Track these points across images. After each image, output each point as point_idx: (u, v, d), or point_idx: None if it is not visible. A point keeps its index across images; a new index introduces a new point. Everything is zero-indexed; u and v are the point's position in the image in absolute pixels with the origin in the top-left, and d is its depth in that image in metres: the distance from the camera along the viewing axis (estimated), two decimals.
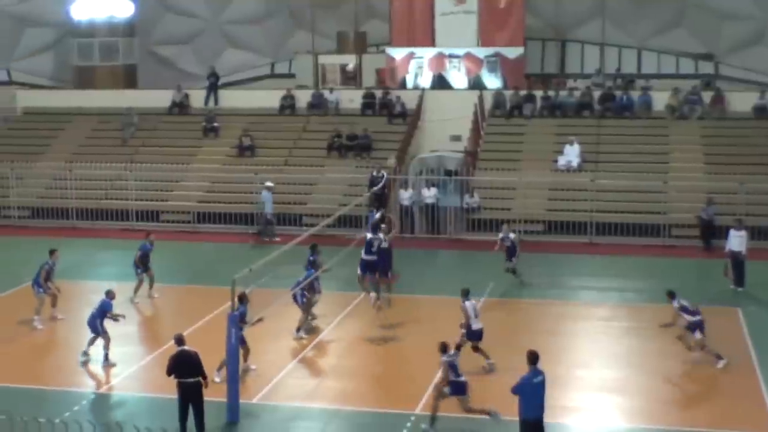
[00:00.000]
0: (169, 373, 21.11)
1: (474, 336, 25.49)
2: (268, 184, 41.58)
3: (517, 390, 19.47)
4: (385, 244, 30.29)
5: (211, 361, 21.35)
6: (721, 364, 25.55)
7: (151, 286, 32.27)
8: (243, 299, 24.56)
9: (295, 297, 28.37)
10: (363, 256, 30.03)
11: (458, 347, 23.89)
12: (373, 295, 29.63)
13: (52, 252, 29.98)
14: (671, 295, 26.29)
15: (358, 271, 30.28)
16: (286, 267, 31.82)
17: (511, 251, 33.36)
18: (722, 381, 25.02)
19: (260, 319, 25.21)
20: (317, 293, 29.18)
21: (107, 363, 26.14)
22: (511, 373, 20.75)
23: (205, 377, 20.98)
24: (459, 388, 21.77)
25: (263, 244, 38.71)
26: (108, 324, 26.45)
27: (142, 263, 32.06)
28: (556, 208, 41.61)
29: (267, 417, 22.89)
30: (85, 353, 26.49)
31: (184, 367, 20.92)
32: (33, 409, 21.20)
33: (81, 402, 23.54)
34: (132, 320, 30.67)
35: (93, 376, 25.86)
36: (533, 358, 19.66)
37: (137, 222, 43.38)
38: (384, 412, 23.13)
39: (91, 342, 26.50)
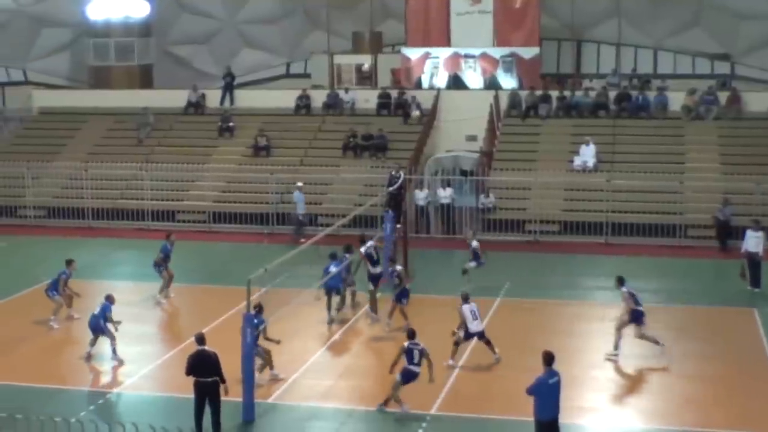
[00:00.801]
0: (188, 373, 21.15)
1: (472, 336, 25.90)
2: (299, 184, 41.51)
3: (532, 391, 19.44)
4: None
5: (228, 361, 21.32)
6: (659, 349, 26.21)
7: (168, 286, 32.31)
8: (260, 310, 24.43)
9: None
10: (371, 269, 29.60)
11: (456, 344, 25.24)
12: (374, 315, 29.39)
13: (69, 262, 30.03)
14: (620, 281, 26.84)
15: (370, 287, 29.88)
16: (302, 267, 31.91)
17: (475, 256, 33.37)
18: (738, 381, 24.94)
19: (278, 342, 24.93)
20: (349, 285, 30.37)
21: (116, 357, 26.43)
22: (527, 374, 20.71)
23: (223, 380, 20.97)
24: (408, 376, 22.63)
25: (297, 244, 37.86)
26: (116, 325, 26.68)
27: (164, 263, 32.17)
28: (571, 208, 41.52)
29: (282, 417, 22.92)
30: (89, 354, 26.67)
31: (203, 367, 20.94)
32: (49, 409, 21.27)
33: (97, 401, 23.59)
34: (148, 320, 30.78)
35: (109, 375, 25.93)
36: (548, 358, 19.62)
37: (153, 222, 43.43)
38: (399, 412, 23.08)
39: (93, 342, 26.66)
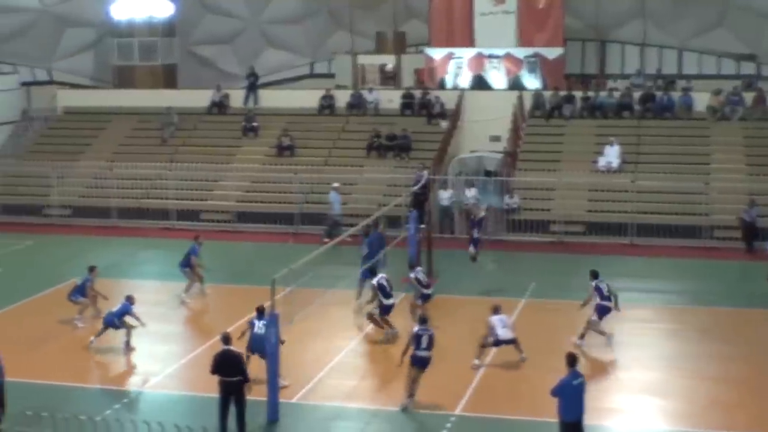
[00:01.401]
0: (213, 372, 21.22)
1: (499, 343, 25.83)
2: (336, 185, 41.43)
3: (556, 392, 19.39)
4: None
5: (254, 361, 21.33)
6: (606, 338, 27.15)
7: (187, 290, 32.35)
8: (262, 312, 24.51)
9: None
10: (385, 301, 28.21)
11: (483, 346, 25.32)
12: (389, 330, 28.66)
13: (92, 269, 30.14)
14: (594, 275, 27.81)
15: (375, 312, 28.69)
16: (326, 267, 31.93)
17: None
18: (762, 383, 24.84)
19: (282, 342, 24.82)
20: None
21: (127, 349, 26.92)
22: (552, 374, 20.64)
23: (247, 379, 20.99)
24: (416, 361, 23.02)
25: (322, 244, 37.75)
26: (143, 322, 26.88)
27: (193, 264, 32.30)
28: (596, 209, 41.39)
29: (307, 416, 22.92)
30: (92, 341, 27.28)
31: (228, 366, 20.98)
32: (74, 407, 21.33)
33: (122, 400, 23.65)
34: (173, 319, 30.86)
35: (134, 374, 26.00)
36: (572, 360, 19.61)
37: (177, 221, 43.51)
38: (423, 413, 23.07)
39: (100, 333, 27.29)
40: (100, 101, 52.68)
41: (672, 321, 30.31)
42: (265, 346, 22.68)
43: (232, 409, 21.00)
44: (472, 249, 34.04)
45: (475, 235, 34.21)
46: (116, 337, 27.37)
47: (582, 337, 27.28)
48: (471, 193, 41.62)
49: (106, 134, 50.16)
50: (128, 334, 27.09)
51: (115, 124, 50.66)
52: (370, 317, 28.17)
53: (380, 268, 30.34)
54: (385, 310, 28.04)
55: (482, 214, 35.06)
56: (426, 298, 28.86)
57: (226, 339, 21.45)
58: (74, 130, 51.07)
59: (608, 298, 27.44)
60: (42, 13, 56.17)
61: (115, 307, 27.48)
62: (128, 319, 27.23)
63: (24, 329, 29.10)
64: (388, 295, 28.00)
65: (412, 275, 29.19)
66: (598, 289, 27.54)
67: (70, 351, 27.36)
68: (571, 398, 19.31)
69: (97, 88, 57.23)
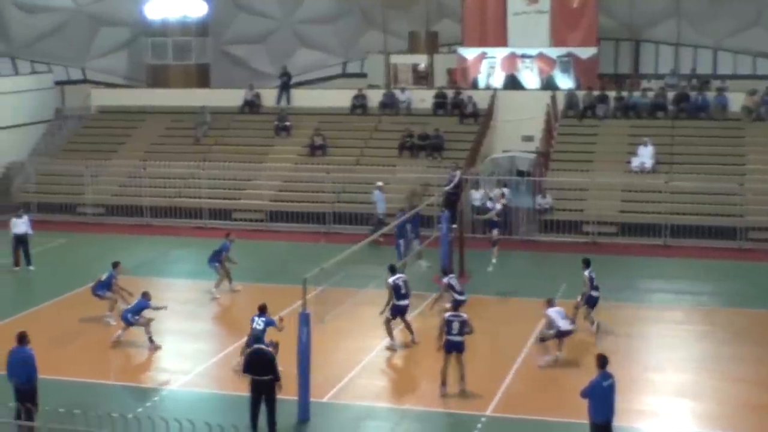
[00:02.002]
0: (244, 371, 21.26)
1: (562, 335, 25.70)
2: (379, 184, 41.36)
3: (587, 393, 19.32)
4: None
5: (283, 360, 21.33)
6: (594, 327, 27.70)
7: (217, 285, 32.46)
8: (264, 310, 24.94)
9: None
10: (395, 302, 27.55)
11: (542, 339, 25.36)
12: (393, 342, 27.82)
13: (115, 264, 30.26)
14: (586, 263, 28.45)
15: (388, 314, 27.89)
16: (358, 266, 31.94)
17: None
18: None
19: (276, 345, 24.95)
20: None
21: (152, 344, 27.14)
22: (583, 376, 20.58)
23: (278, 378, 21.00)
24: (449, 346, 23.71)
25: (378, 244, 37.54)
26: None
27: (222, 260, 32.42)
28: (629, 209, 41.17)
29: (337, 416, 22.90)
30: (117, 338, 27.54)
31: (259, 365, 21.00)
32: (106, 405, 21.40)
33: (153, 398, 23.74)
34: (205, 317, 30.96)
35: (165, 372, 26.07)
36: (602, 361, 19.55)
37: (210, 220, 43.63)
38: (454, 412, 23.05)
39: (124, 329, 27.46)
40: (133, 100, 52.88)
41: (704, 322, 30.12)
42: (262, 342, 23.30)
43: (263, 408, 21.02)
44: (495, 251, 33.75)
45: (495, 236, 33.93)
46: (144, 335, 27.47)
47: (593, 323, 27.95)
48: (496, 192, 41.42)
49: (140, 133, 50.36)
50: (148, 331, 27.21)
51: (149, 124, 50.86)
52: (387, 323, 27.59)
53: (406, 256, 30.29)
54: (398, 310, 27.40)
55: (494, 217, 34.74)
56: (459, 304, 28.46)
57: (258, 338, 21.47)
58: (108, 129, 51.25)
59: (597, 288, 28.11)
60: (76, 13, 56.51)
61: (132, 304, 27.74)
62: (147, 313, 27.33)
63: (56, 327, 29.21)
64: (401, 296, 27.36)
65: (445, 280, 29.07)
66: (591, 279, 28.19)
67: (102, 349, 27.44)
68: (601, 399, 19.24)
69: (131, 87, 57.50)
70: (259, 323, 24.48)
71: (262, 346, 21.27)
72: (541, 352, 25.74)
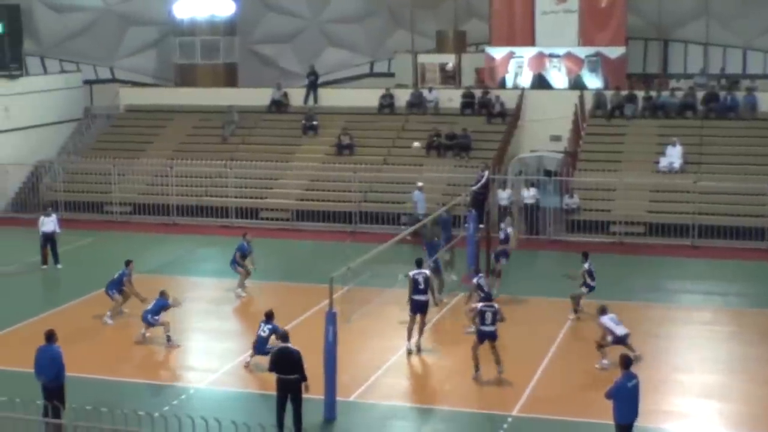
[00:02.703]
0: (270, 369, 21.27)
1: (620, 341, 25.41)
2: (420, 184, 41.20)
3: (612, 394, 19.24)
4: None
5: (309, 359, 21.32)
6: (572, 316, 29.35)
7: (240, 285, 32.45)
8: (271, 317, 25.27)
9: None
10: (412, 296, 27.18)
11: (600, 346, 25.33)
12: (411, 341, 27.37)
13: (128, 263, 30.39)
14: (585, 256, 29.86)
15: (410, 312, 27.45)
16: (385, 266, 31.88)
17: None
18: None
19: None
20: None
21: (171, 344, 27.26)
22: (610, 377, 20.46)
23: (305, 378, 20.98)
24: (481, 335, 24.60)
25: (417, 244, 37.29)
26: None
27: (242, 261, 32.46)
28: (657, 210, 41.00)
29: (363, 415, 22.89)
30: (143, 335, 27.66)
31: (285, 364, 20.97)
32: (133, 402, 21.42)
33: (180, 396, 23.78)
34: (231, 316, 31.05)
35: (192, 370, 26.13)
36: (627, 362, 19.52)
37: (237, 219, 43.69)
38: (480, 412, 23.01)
39: (147, 327, 27.58)
40: (161, 99, 53.04)
41: (732, 323, 29.97)
42: (263, 348, 24.63)
43: (289, 407, 21.00)
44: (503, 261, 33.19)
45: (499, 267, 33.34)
46: (175, 335, 27.53)
47: (575, 311, 29.63)
48: (530, 192, 41.37)
49: (167, 132, 50.52)
50: (167, 329, 27.32)
51: (176, 123, 51.01)
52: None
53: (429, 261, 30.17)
54: (416, 306, 26.91)
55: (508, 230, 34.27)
56: (488, 298, 28.34)
57: (285, 337, 21.48)
58: (136, 128, 51.44)
59: (594, 280, 29.55)
60: (105, 12, 56.74)
61: (150, 305, 27.83)
62: (163, 316, 27.54)
63: (84, 325, 29.32)
64: (419, 291, 26.88)
65: (474, 280, 28.98)
66: (590, 273, 29.53)
67: (129, 347, 27.53)
68: (626, 400, 19.17)
69: (159, 86, 57.67)
70: (264, 330, 24.91)
71: (289, 345, 21.24)
72: (602, 354, 25.51)
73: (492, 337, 24.67)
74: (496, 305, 25.01)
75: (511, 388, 24.17)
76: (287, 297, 32.63)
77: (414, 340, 26.92)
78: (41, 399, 20.30)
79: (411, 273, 27.19)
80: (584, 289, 29.71)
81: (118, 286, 29.91)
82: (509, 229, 32.97)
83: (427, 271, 27.66)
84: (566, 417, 22.49)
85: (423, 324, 27.07)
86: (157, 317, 27.37)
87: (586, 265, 29.55)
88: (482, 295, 27.81)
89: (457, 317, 29.28)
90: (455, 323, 28.95)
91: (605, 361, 25.31)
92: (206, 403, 23.43)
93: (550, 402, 23.41)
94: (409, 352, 26.78)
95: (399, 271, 30.71)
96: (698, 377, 25.33)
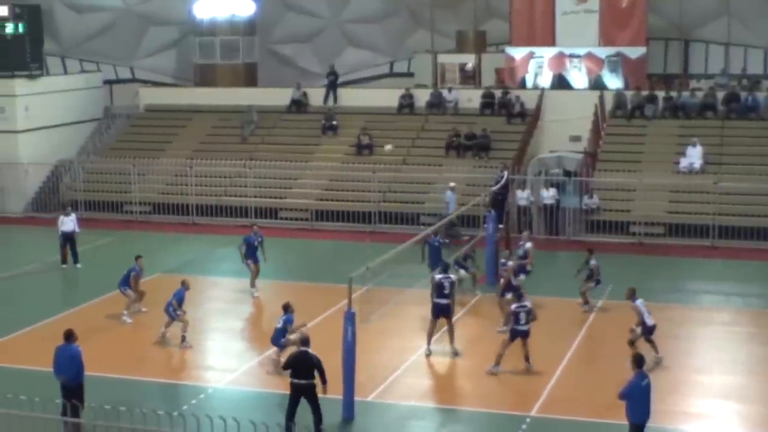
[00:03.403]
0: (285, 368, 21.22)
1: (650, 331, 25.52)
2: (452, 184, 41.12)
3: (626, 394, 19.18)
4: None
5: (328, 358, 21.30)
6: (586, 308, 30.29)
7: (252, 283, 32.44)
8: (288, 309, 25.43)
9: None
10: (434, 299, 26.95)
11: (631, 343, 25.11)
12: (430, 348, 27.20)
13: (137, 258, 30.50)
14: (590, 251, 30.78)
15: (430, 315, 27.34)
16: (404, 266, 31.86)
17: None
18: None
19: (303, 324, 25.16)
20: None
21: (184, 344, 27.21)
22: (629, 377, 20.35)
23: (324, 380, 20.91)
24: (513, 334, 25.08)
25: (455, 244, 37.17)
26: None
27: (253, 256, 32.43)
28: (677, 210, 40.88)
29: (382, 415, 22.88)
30: (162, 333, 27.61)
31: (302, 368, 20.88)
32: (151, 402, 21.47)
33: (198, 396, 23.80)
34: (250, 316, 31.01)
35: (210, 370, 26.16)
36: (640, 361, 19.51)
37: (256, 219, 43.64)
38: (499, 413, 22.96)
39: (167, 324, 27.53)
40: (181, 99, 53.14)
41: (752, 324, 29.85)
42: (279, 339, 25.05)
43: (309, 409, 20.94)
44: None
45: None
46: (193, 334, 27.56)
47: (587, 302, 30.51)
48: (550, 193, 41.30)
49: (187, 132, 50.60)
50: (184, 329, 27.34)
51: (196, 122, 51.08)
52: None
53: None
54: (437, 309, 26.65)
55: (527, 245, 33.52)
56: (438, 310, 26.96)
57: (305, 341, 21.35)
58: (155, 127, 51.56)
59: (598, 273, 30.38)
60: (125, 12, 56.87)
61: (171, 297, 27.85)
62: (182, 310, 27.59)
63: (103, 324, 29.40)
64: (443, 295, 26.61)
65: (437, 276, 28.71)
66: (597, 267, 30.23)
67: (148, 346, 27.58)
68: (640, 400, 19.17)
69: (179, 86, 57.76)
70: (279, 321, 25.34)
71: (309, 350, 21.12)
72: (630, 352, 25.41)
73: (525, 335, 25.17)
74: (529, 305, 25.32)
75: (530, 388, 24.14)
76: (306, 297, 32.58)
77: (448, 345, 26.77)
78: (60, 398, 20.35)
79: (438, 276, 27.09)
80: (592, 284, 30.41)
81: (129, 282, 29.98)
82: (528, 245, 32.38)
83: (454, 276, 27.53)
84: (585, 418, 22.45)
85: (451, 328, 26.81)
86: (179, 312, 27.36)
87: (593, 261, 30.27)
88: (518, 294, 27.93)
89: (476, 318, 29.21)
90: (473, 324, 28.89)
91: (657, 355, 25.29)
92: (224, 402, 23.45)
93: (569, 403, 23.35)
94: (428, 355, 26.70)
95: (418, 272, 30.72)
96: (717, 378, 25.24)
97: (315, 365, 20.83)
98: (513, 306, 25.54)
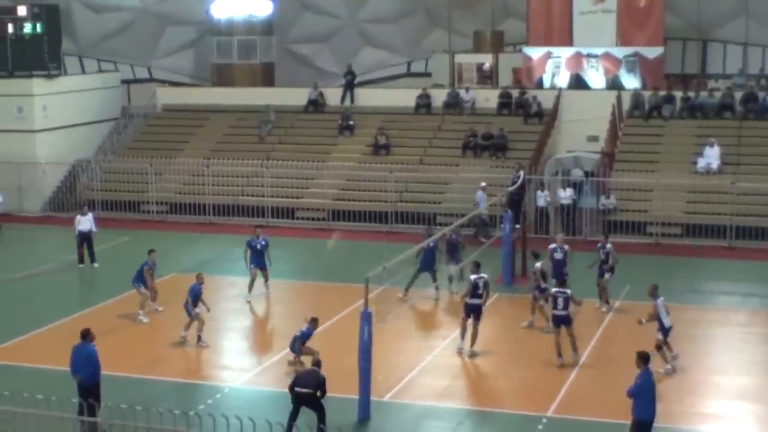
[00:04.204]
0: (290, 388, 21.12)
1: (665, 332, 25.43)
2: (483, 184, 40.95)
3: (637, 392, 19.15)
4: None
5: (344, 358, 21.32)
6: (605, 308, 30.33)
7: (265, 283, 32.36)
8: (313, 322, 25.41)
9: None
10: (467, 299, 26.97)
11: (659, 347, 24.96)
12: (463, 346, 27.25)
13: (149, 252, 30.58)
14: (606, 237, 31.23)
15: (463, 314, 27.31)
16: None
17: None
18: None
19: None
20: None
21: (201, 344, 27.25)
22: (656, 378, 20.32)
23: (323, 394, 20.83)
24: (556, 320, 25.84)
25: (478, 245, 37.00)
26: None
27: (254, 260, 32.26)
28: (694, 210, 40.77)
29: (398, 415, 22.88)
30: (183, 337, 27.56)
31: (308, 380, 20.88)
32: (168, 401, 21.53)
33: (215, 395, 23.84)
34: (266, 316, 31.04)
35: (226, 369, 26.19)
36: (646, 358, 19.58)
37: (273, 219, 43.76)
38: (515, 413, 22.94)
39: (187, 326, 27.47)
40: (198, 99, 53.23)
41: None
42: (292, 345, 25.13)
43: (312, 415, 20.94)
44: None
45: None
46: (210, 334, 27.59)
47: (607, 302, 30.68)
48: (567, 193, 41.23)
49: (204, 132, 50.66)
50: (200, 329, 27.39)
51: (213, 122, 51.15)
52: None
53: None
54: (469, 309, 26.71)
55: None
56: (471, 310, 26.99)
57: (317, 363, 21.29)
58: (173, 127, 51.67)
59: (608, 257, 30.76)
60: (143, 12, 57.02)
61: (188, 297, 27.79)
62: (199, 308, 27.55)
63: (119, 323, 29.48)
64: (475, 295, 26.74)
65: (537, 265, 29.10)
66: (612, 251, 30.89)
67: (164, 346, 27.63)
68: (649, 397, 19.23)
69: (196, 86, 57.88)
70: (299, 331, 25.32)
71: (317, 369, 21.07)
72: (664, 358, 25.35)
73: (566, 321, 25.75)
74: (568, 291, 25.91)
75: (546, 388, 24.10)
76: (323, 297, 32.66)
77: (467, 345, 26.75)
78: (77, 397, 20.40)
79: (472, 277, 27.09)
80: (609, 276, 30.63)
81: (143, 278, 30.01)
82: (608, 245, 32.02)
83: (486, 275, 27.43)
84: (602, 418, 22.41)
85: (476, 330, 26.74)
86: (197, 310, 27.36)
87: (608, 245, 30.80)
88: (543, 282, 28.41)
89: (493, 319, 29.15)
90: (490, 325, 28.81)
91: (668, 366, 25.15)
92: (240, 402, 23.49)
93: (585, 403, 23.34)
94: (460, 351, 26.74)
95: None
96: (734, 379, 25.17)
97: (320, 382, 20.83)
98: (553, 290, 26.48)
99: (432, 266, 31.49)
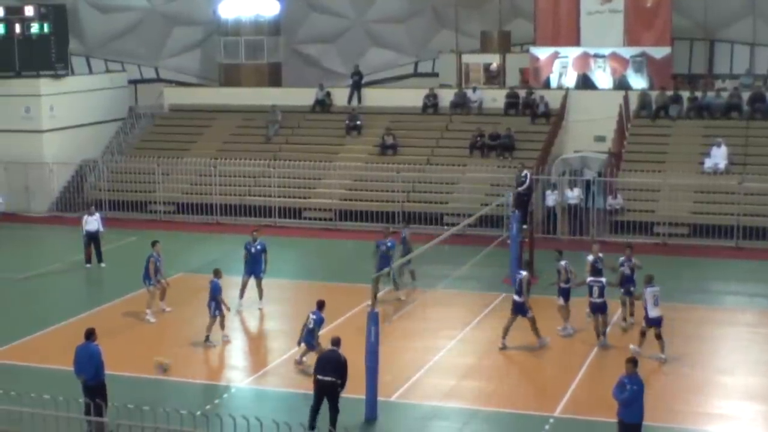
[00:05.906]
0: (315, 372, 21.25)
1: (652, 323, 25.62)
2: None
3: (633, 399, 19.14)
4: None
5: (350, 358, 21.32)
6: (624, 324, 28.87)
7: (259, 292, 31.63)
8: (321, 306, 25.23)
9: None
10: (514, 297, 27.25)
11: (658, 336, 25.56)
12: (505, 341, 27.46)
13: (154, 243, 30.55)
14: (629, 247, 29.84)
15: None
16: (427, 266, 31.86)
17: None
18: None
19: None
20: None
21: (208, 343, 27.28)
22: (653, 378, 20.34)
23: (344, 383, 20.96)
24: (592, 307, 27.13)
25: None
26: (235, 315, 27.07)
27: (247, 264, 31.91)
28: (701, 211, 40.72)
29: (405, 415, 22.90)
30: (225, 336, 27.64)
31: (327, 366, 20.97)
32: (175, 401, 21.53)
33: (222, 395, 23.87)
34: (274, 315, 31.05)
35: (234, 369, 26.22)
36: (636, 362, 19.73)
37: (280, 219, 43.78)
38: (522, 413, 22.93)
39: (222, 325, 27.51)
40: (205, 99, 53.25)
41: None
42: (308, 338, 24.58)
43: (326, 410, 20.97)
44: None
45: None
46: (218, 331, 27.61)
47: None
48: (574, 193, 41.21)
49: (211, 132, 50.69)
50: (209, 329, 27.35)
51: (220, 122, 51.17)
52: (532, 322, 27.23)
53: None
54: (517, 308, 26.97)
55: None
56: (518, 309, 27.19)
57: (336, 342, 21.38)
58: (180, 127, 51.69)
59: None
60: (150, 12, 57.07)
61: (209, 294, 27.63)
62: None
63: (126, 323, 29.52)
64: (516, 292, 27.07)
65: (562, 263, 28.79)
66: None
67: (172, 346, 27.64)
68: (641, 401, 19.27)
69: (203, 86, 57.91)
70: (311, 321, 24.97)
71: (337, 350, 21.16)
72: (660, 347, 25.58)
73: (601, 309, 26.90)
74: (603, 280, 27.28)
75: (552, 389, 24.09)
76: (330, 297, 32.26)
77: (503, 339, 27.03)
78: (83, 397, 20.43)
79: (563, 263, 28.31)
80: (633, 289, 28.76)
81: (148, 273, 30.00)
82: (562, 263, 31.64)
83: (525, 272, 27.44)
84: (608, 418, 22.29)
85: (508, 326, 27.00)
86: (218, 311, 27.31)
87: (634, 259, 29.13)
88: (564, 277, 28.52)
89: (500, 320, 29.13)
90: (496, 325, 28.81)
91: (662, 356, 25.25)
92: (247, 402, 23.54)
93: (593, 403, 23.30)
94: (501, 348, 26.88)
95: (441, 272, 30.63)
96: (741, 379, 25.14)
97: (341, 365, 20.87)
98: (588, 279, 27.50)
99: (388, 266, 31.12)
